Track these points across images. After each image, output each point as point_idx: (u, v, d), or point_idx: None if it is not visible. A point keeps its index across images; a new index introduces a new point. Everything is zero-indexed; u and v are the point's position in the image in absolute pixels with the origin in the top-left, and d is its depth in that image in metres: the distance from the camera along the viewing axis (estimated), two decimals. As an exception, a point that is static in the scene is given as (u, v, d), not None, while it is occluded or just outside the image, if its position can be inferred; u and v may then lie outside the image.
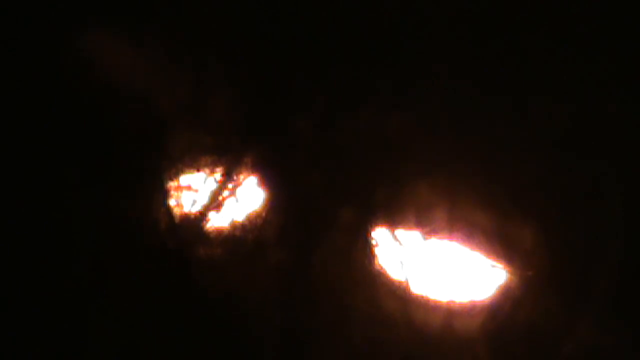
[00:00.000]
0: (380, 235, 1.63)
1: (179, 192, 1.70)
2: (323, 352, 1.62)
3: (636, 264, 1.58)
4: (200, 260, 1.68)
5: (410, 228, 1.62)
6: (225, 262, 1.67)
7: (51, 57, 1.70)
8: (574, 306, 1.57)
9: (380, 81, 1.62)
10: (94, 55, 1.67)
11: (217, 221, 1.69)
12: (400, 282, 1.62)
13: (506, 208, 1.60)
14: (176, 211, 1.70)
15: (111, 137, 1.69)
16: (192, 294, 1.66)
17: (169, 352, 1.63)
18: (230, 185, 1.69)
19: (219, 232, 1.69)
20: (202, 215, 1.69)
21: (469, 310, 1.59)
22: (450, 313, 1.59)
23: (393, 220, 1.63)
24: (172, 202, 1.70)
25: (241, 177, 1.69)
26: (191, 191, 1.70)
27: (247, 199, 1.69)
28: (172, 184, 1.70)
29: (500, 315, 1.58)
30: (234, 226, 1.68)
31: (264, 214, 1.67)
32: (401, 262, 1.61)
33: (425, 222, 1.62)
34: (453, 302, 1.60)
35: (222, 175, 1.69)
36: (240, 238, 1.68)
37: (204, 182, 1.70)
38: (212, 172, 1.70)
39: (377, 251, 1.63)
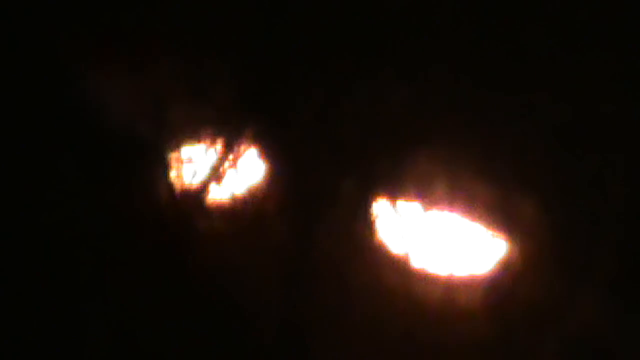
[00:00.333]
0: (380, 208, 1.62)
1: (180, 164, 1.71)
2: (323, 325, 1.62)
3: (637, 247, 1.56)
4: (200, 233, 1.69)
5: (410, 200, 1.61)
6: (225, 235, 1.68)
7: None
8: (574, 283, 1.55)
9: (380, 59, 1.61)
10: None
11: (217, 193, 1.70)
12: (400, 255, 1.61)
13: (507, 180, 1.59)
14: (177, 183, 1.70)
15: (110, 111, 1.70)
16: (191, 265, 1.67)
17: (167, 324, 1.65)
18: (230, 157, 1.69)
19: (220, 205, 1.69)
20: (202, 188, 1.69)
21: (469, 283, 1.58)
22: (450, 286, 1.58)
23: (393, 192, 1.62)
24: (172, 175, 1.70)
25: (242, 149, 1.69)
26: (192, 163, 1.70)
27: (247, 171, 1.68)
28: (172, 156, 1.71)
29: (500, 289, 1.57)
30: (235, 199, 1.68)
31: (264, 187, 1.67)
32: (402, 235, 1.60)
33: (425, 193, 1.61)
34: (453, 275, 1.59)
35: (223, 147, 1.69)
36: (241, 210, 1.68)
37: (205, 154, 1.70)
38: (213, 144, 1.70)
39: (378, 223, 1.62)
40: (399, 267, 1.60)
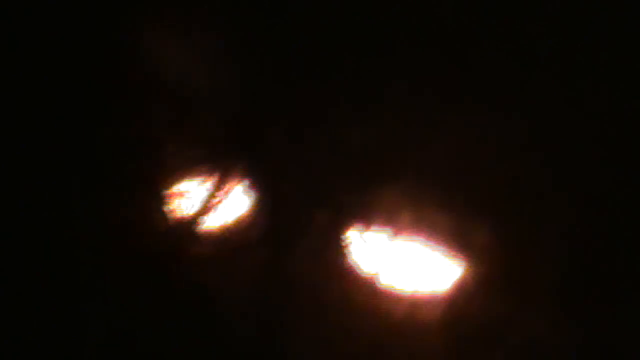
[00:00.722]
0: (351, 236, 1.81)
1: (174, 199, 1.90)
2: (297, 338, 1.78)
3: (579, 264, 1.75)
4: (191, 258, 1.85)
5: (378, 229, 1.80)
6: (214, 260, 1.85)
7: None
8: (521, 300, 1.73)
9: (345, 96, 1.81)
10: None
11: (207, 224, 1.88)
12: (369, 277, 1.79)
13: (463, 212, 1.78)
14: (171, 215, 1.89)
15: (112, 150, 1.88)
16: (182, 287, 1.83)
17: (159, 337, 1.79)
18: (219, 193, 1.88)
19: (209, 234, 1.87)
20: (194, 219, 1.88)
21: (429, 302, 1.76)
22: (412, 304, 1.76)
23: (363, 222, 1.80)
24: (167, 208, 1.89)
25: (229, 185, 1.88)
26: (185, 198, 1.89)
27: (234, 205, 1.87)
28: (167, 192, 1.89)
29: (456, 305, 1.75)
30: (222, 228, 1.87)
31: (248, 218, 1.86)
32: (370, 258, 1.79)
33: (391, 223, 1.80)
34: (415, 294, 1.77)
35: (212, 184, 1.89)
36: (227, 239, 1.86)
37: (197, 189, 1.89)
38: (204, 181, 1.89)
39: (349, 250, 1.80)
40: (367, 287, 1.78)
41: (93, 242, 1.82)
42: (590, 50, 1.74)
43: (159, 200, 1.88)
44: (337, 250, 1.79)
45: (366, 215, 1.80)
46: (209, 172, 1.88)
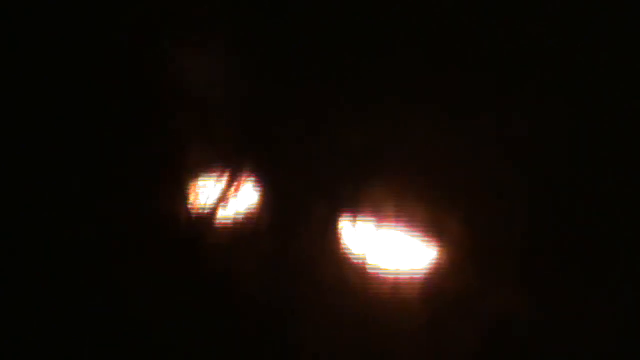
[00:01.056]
0: (345, 225, 2.01)
1: (195, 194, 2.11)
2: (299, 315, 1.97)
3: (537, 246, 1.93)
4: (209, 246, 2.05)
5: (367, 218, 2.01)
6: (228, 248, 2.04)
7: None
8: (488, 278, 1.92)
9: (344, 99, 1.98)
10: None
11: (223, 216, 2.08)
12: (359, 260, 1.99)
13: (439, 204, 1.99)
14: (192, 209, 2.09)
15: (141, 153, 2.10)
16: (202, 272, 2.03)
17: (180, 317, 1.96)
18: (233, 189, 2.10)
19: (224, 225, 2.07)
20: (212, 212, 2.08)
21: (410, 280, 1.96)
22: (396, 283, 1.96)
23: (354, 213, 2.01)
24: (189, 202, 2.09)
25: (241, 181, 2.09)
26: (204, 193, 2.12)
27: (245, 198, 2.07)
28: (189, 188, 2.11)
29: (433, 284, 1.94)
30: (236, 220, 2.07)
31: (257, 210, 2.06)
32: (360, 243, 1.99)
33: (378, 214, 2.00)
34: (398, 274, 1.98)
35: (227, 180, 2.09)
36: (240, 229, 2.06)
37: (214, 186, 2.10)
38: (220, 178, 2.10)
39: (343, 236, 2.00)
40: (357, 268, 1.98)
41: (125, 232, 2.01)
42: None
43: (182, 194, 2.08)
44: (333, 237, 1.99)
45: (357, 207, 2.00)
46: (222, 169, 2.08)
